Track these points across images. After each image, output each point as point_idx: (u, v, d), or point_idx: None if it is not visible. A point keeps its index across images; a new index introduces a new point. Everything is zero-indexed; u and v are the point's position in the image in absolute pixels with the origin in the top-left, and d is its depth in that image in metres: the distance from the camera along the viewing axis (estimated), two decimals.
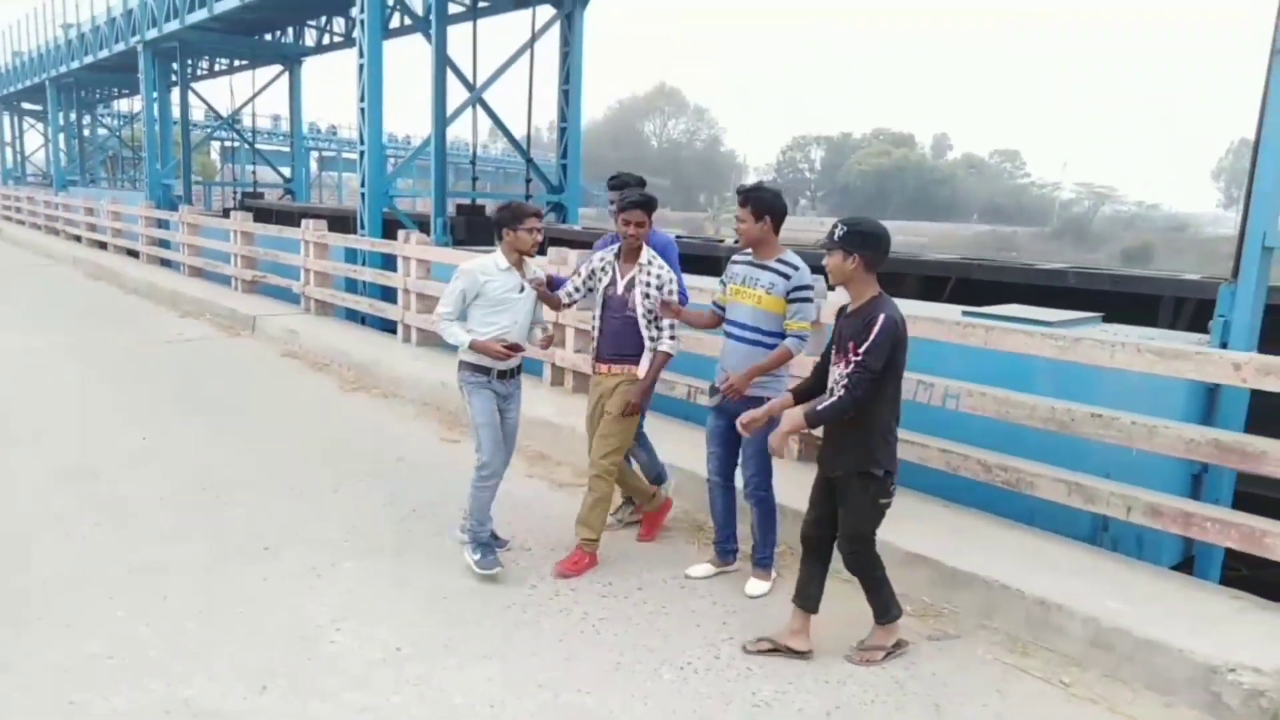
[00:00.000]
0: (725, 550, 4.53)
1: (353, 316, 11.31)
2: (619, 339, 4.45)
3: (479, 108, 13.74)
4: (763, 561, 4.38)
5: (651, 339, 4.43)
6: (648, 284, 4.38)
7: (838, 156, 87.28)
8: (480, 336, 4.31)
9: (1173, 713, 3.34)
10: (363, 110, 12.21)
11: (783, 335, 4.10)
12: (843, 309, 3.66)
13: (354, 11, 12.60)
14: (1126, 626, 3.60)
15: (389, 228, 12.40)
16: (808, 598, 3.74)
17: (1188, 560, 5.22)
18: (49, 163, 35.55)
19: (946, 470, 4.81)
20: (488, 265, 4.36)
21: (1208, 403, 5.14)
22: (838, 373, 3.54)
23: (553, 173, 14.79)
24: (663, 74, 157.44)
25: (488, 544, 4.42)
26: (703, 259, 10.22)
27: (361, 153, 12.38)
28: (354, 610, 3.98)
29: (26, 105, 38.24)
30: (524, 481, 5.82)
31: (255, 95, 22.65)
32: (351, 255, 11.93)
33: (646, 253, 4.43)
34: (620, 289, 4.41)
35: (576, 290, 4.57)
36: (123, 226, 18.67)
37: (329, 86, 36.36)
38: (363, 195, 12.46)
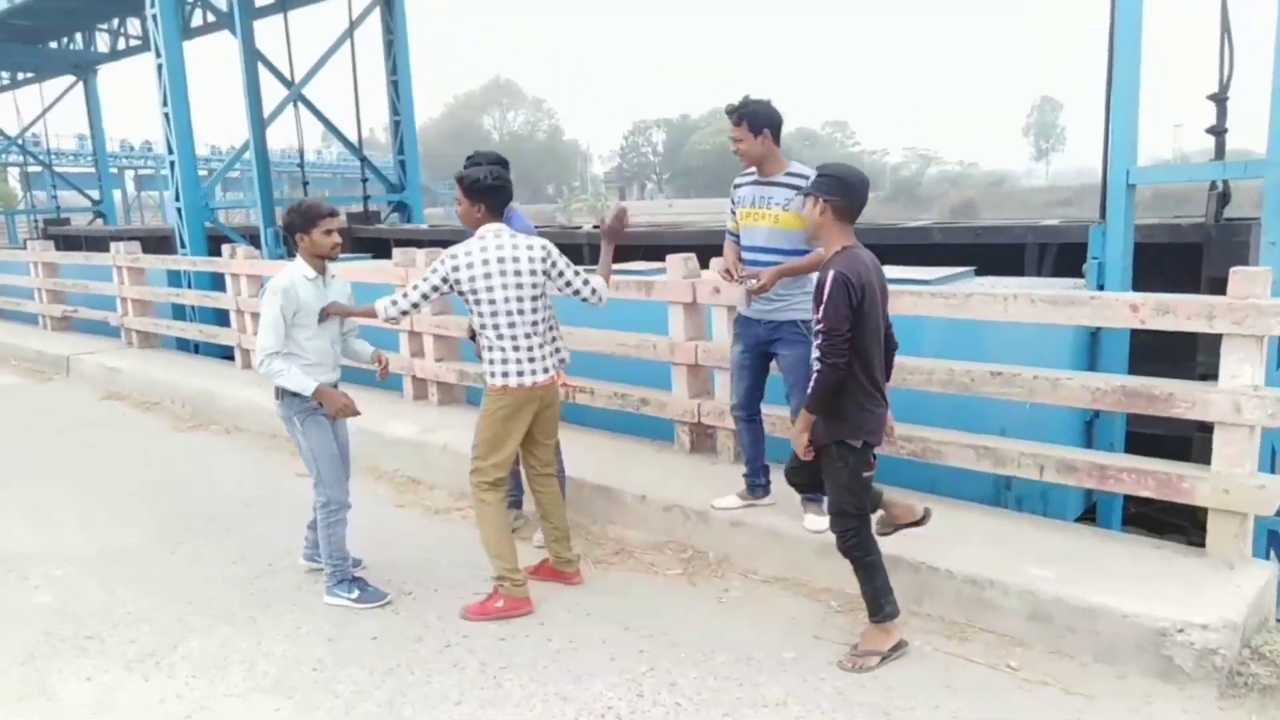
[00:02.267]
0: (755, 484, 4.36)
1: (184, 346, 10.20)
2: None
3: (302, 106, 12.73)
4: (817, 497, 3.99)
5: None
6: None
7: (679, 138, 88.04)
8: (308, 368, 3.93)
9: (1127, 684, 3.14)
10: (166, 115, 11.05)
11: (803, 252, 3.92)
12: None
13: (147, 9, 11.35)
14: (1063, 595, 3.39)
15: (216, 244, 11.28)
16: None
17: (1089, 509, 5.17)
18: None
19: (900, 456, 4.52)
20: (296, 276, 3.92)
21: (1091, 348, 5.09)
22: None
23: (391, 171, 13.92)
24: (497, 67, 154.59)
25: (358, 579, 4.04)
26: (562, 247, 9.75)
27: (172, 163, 11.21)
28: (200, 706, 3.31)
29: None
30: (394, 513, 5.23)
31: (46, 110, 20.50)
32: (175, 278, 10.80)
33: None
34: None
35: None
36: None
37: (134, 99, 33.58)
38: (179, 210, 11.30)
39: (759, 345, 4.16)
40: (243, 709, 3.26)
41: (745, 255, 4.12)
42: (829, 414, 3.27)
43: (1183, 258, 5.81)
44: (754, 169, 4.08)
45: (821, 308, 3.15)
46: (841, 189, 3.24)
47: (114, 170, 27.38)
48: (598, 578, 4.24)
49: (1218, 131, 5.44)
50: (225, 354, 9.36)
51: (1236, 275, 3.54)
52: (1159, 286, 4.68)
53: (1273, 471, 4.34)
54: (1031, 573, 3.54)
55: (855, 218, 3.31)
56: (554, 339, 4.01)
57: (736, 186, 4.20)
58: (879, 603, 3.39)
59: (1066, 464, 3.92)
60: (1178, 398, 3.66)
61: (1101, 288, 4.96)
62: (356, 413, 3.99)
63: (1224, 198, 5.63)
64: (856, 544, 3.36)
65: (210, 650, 3.70)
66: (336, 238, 3.99)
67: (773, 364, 4.24)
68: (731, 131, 4.01)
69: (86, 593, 4.28)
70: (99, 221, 21.25)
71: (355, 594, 4.00)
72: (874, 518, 3.47)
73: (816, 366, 3.21)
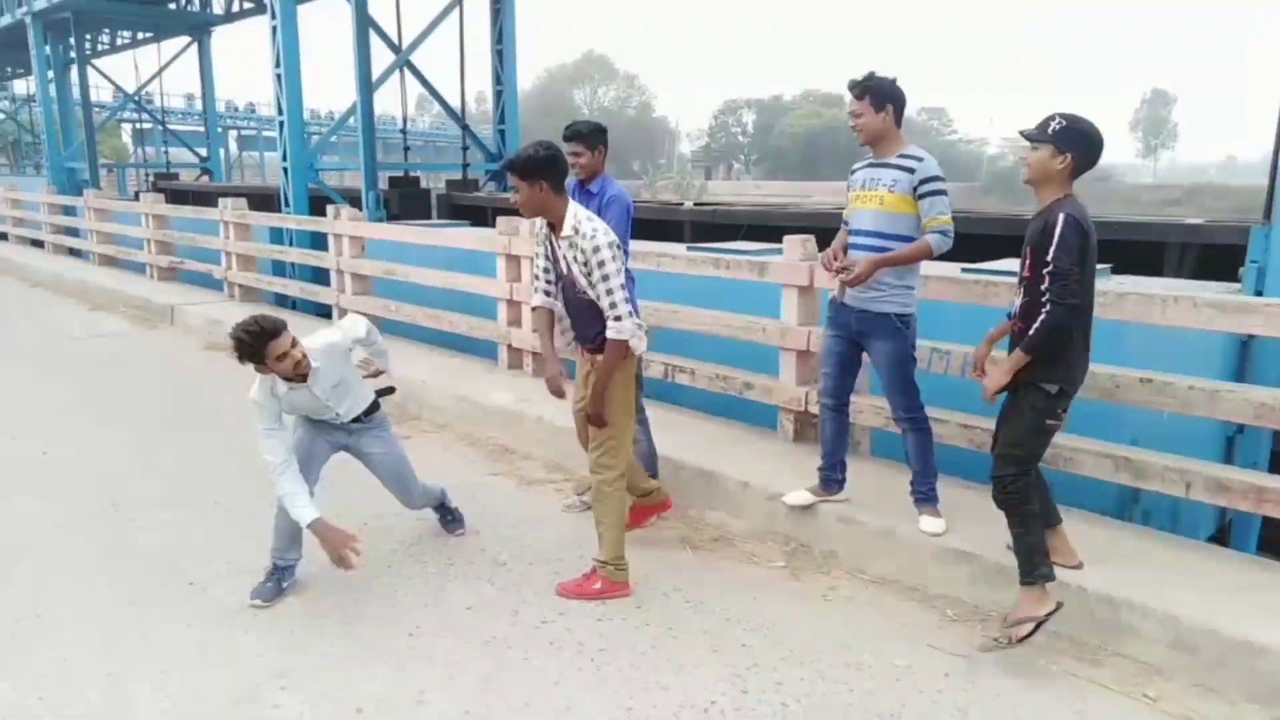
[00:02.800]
0: (830, 479, 4.19)
1: (282, 301, 10.40)
2: (582, 320, 3.72)
3: (407, 72, 12.80)
4: (929, 496, 3.90)
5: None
6: (578, 260, 3.53)
7: (769, 119, 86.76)
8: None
9: None
10: (279, 77, 11.20)
11: (909, 239, 3.70)
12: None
13: None
14: (1212, 625, 3.11)
15: (316, 205, 11.46)
16: (1051, 514, 3.46)
17: (1222, 529, 4.82)
18: None
19: (970, 447, 4.28)
20: (268, 392, 3.61)
21: (1240, 358, 4.71)
22: (1016, 280, 3.24)
23: (490, 141, 13.93)
24: (590, 41, 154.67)
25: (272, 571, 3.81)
26: (662, 223, 9.62)
27: (281, 124, 11.38)
28: (300, 659, 3.29)
29: None
30: (488, 481, 5.16)
31: (162, 69, 21.14)
32: (277, 235, 11.00)
33: (570, 221, 3.54)
34: (563, 266, 3.64)
35: (551, 284, 3.81)
36: (24, 215, 17.25)
37: (244, 62, 34.53)
38: (285, 170, 11.48)
39: (850, 334, 3.94)
40: (340, 669, 3.22)
41: (851, 239, 3.90)
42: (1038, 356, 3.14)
43: None
44: (870, 151, 3.85)
45: (1052, 249, 3.03)
46: (1088, 148, 3.13)
47: (219, 130, 28.17)
48: (697, 564, 4.10)
49: None
50: (322, 312, 9.50)
51: None
52: None
53: None
54: (1172, 596, 3.26)
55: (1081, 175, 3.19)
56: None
57: (853, 171, 3.98)
58: (1034, 561, 3.23)
59: (1218, 483, 3.60)
60: None
61: (1259, 293, 4.57)
62: (349, 566, 3.64)
63: None
64: (1018, 490, 3.23)
65: (307, 607, 3.68)
66: (297, 354, 3.52)
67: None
68: (853, 105, 3.78)
69: (191, 539, 4.33)
70: (205, 178, 21.92)
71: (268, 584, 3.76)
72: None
73: (1046, 308, 3.06)
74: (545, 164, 3.48)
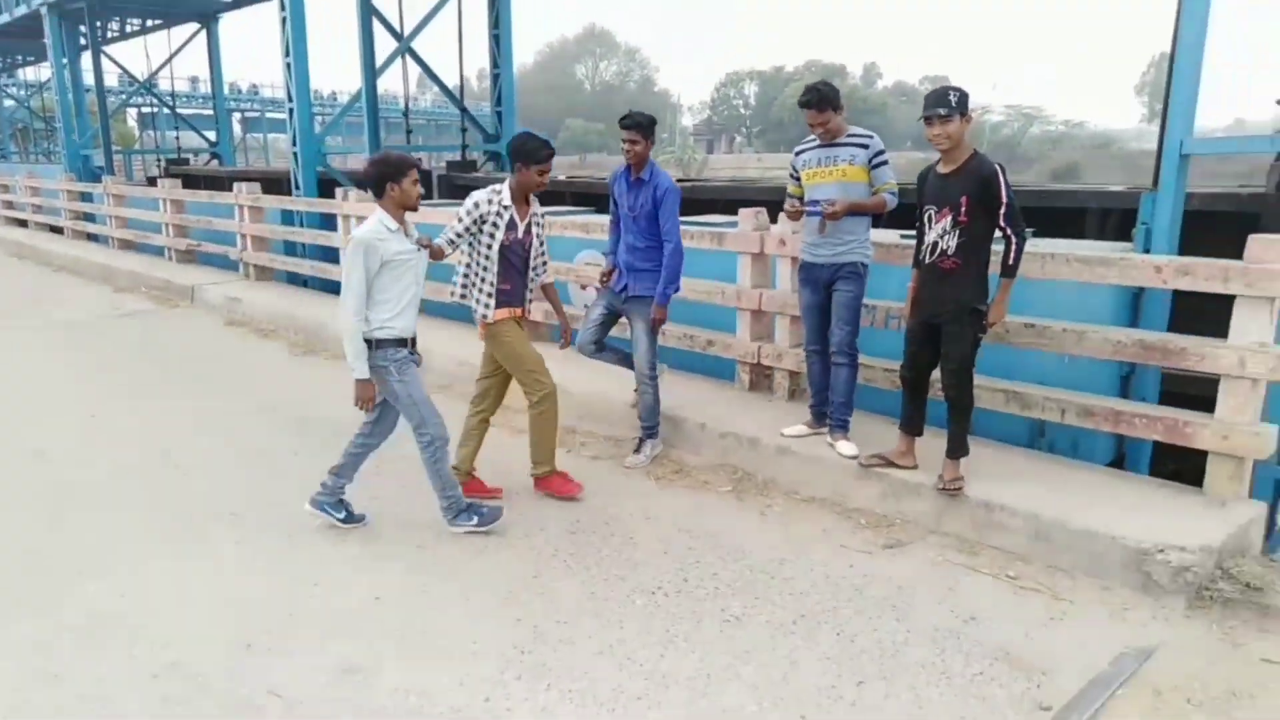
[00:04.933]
0: (821, 413, 4.93)
1: (294, 280, 11.14)
2: (525, 282, 4.65)
3: (408, 58, 13.43)
4: (846, 424, 4.76)
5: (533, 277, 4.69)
6: (539, 224, 4.63)
7: (772, 90, 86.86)
8: (398, 314, 4.05)
9: (1110, 594, 3.60)
10: (288, 65, 11.86)
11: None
12: (928, 171, 4.17)
13: None
14: (1063, 519, 3.84)
15: (325, 187, 12.15)
16: (913, 425, 4.38)
17: (1119, 459, 5.52)
18: None
19: (890, 388, 4.98)
20: (379, 229, 4.00)
21: (1133, 309, 5.39)
22: (942, 228, 4.01)
23: (488, 121, 14.57)
24: (592, 15, 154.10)
25: (472, 505, 4.34)
26: (695, 203, 10.18)
27: (290, 110, 12.05)
28: (330, 567, 4.06)
29: None
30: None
31: (173, 56, 21.72)
32: (288, 217, 11.69)
33: (535, 202, 4.60)
34: (520, 232, 4.51)
35: (459, 237, 4.51)
36: (42, 202, 17.99)
37: (247, 44, 35.08)
38: (295, 155, 12.15)
39: (823, 286, 4.73)
40: (362, 575, 3.98)
41: (809, 209, 4.68)
42: (965, 287, 4.01)
43: (1244, 226, 5.99)
44: (814, 137, 4.63)
45: (1003, 193, 3.87)
46: (966, 101, 3.95)
47: (226, 112, 28.75)
48: (658, 491, 4.84)
49: None
50: (331, 289, 10.22)
51: (1254, 241, 3.87)
52: (1215, 253, 4.94)
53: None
54: (1037, 500, 3.99)
55: None
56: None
57: (799, 153, 4.76)
58: (964, 442, 4.17)
59: (1085, 409, 4.33)
60: (1190, 351, 4.03)
61: (1147, 251, 5.24)
62: (370, 410, 4.19)
63: None
64: (968, 392, 4.12)
65: (333, 531, 4.44)
66: (420, 189, 4.10)
67: None
68: (816, 118, 4.57)
69: (233, 483, 5.09)
70: (215, 162, 22.60)
71: (475, 520, 4.27)
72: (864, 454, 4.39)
73: (1014, 240, 3.94)
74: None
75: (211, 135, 22.96)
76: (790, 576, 3.87)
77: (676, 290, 4.94)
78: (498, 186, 4.49)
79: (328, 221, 10.25)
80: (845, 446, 4.62)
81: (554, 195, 11.53)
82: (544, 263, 4.76)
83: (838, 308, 4.69)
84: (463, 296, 4.65)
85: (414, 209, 4.13)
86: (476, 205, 4.44)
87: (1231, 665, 3.18)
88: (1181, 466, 5.79)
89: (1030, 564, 3.86)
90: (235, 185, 11.20)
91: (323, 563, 4.08)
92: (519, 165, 4.42)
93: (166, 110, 22.94)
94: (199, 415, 6.34)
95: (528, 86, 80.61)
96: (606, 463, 5.23)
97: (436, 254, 4.38)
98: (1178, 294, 5.27)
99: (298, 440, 5.77)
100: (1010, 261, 3.98)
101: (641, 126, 4.81)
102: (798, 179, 4.76)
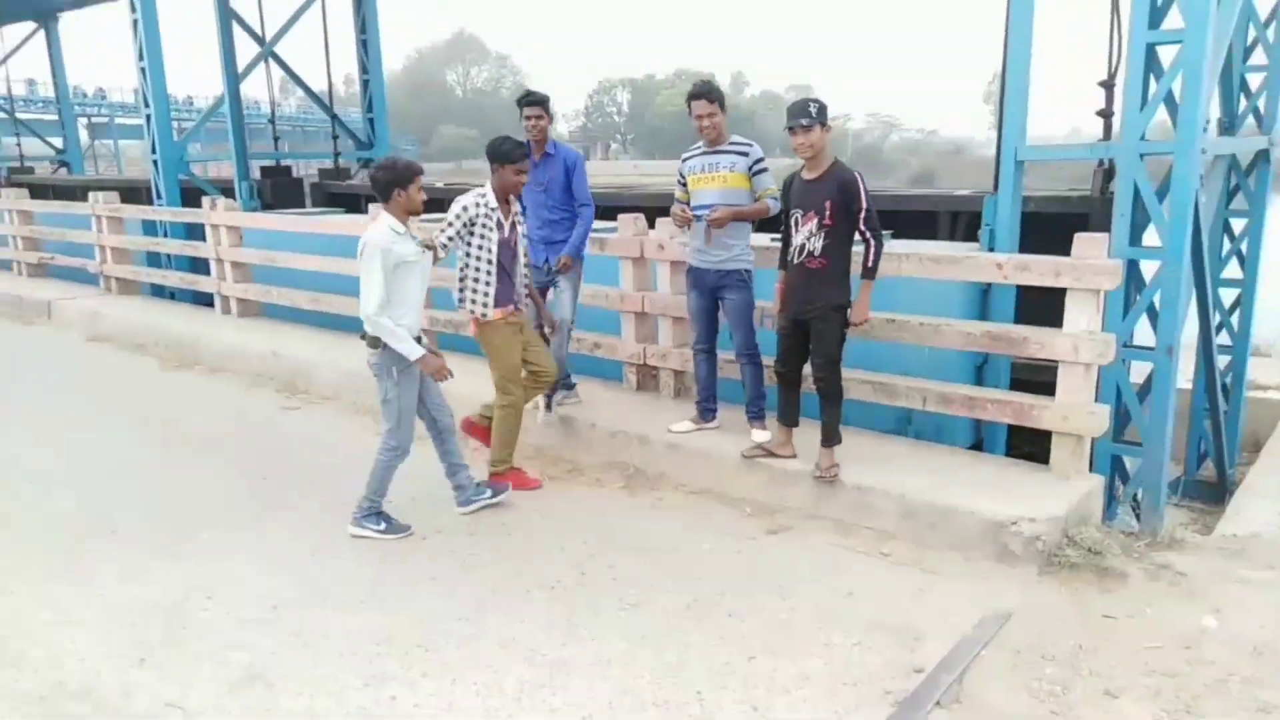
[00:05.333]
0: (707, 410, 5.17)
1: (159, 292, 10.70)
2: (515, 279, 4.76)
3: (272, 62, 13.07)
4: (761, 413, 4.96)
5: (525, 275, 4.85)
6: (522, 229, 4.82)
7: (644, 98, 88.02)
8: (407, 315, 4.21)
9: (971, 565, 3.95)
10: (143, 70, 11.35)
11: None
12: (793, 178, 4.39)
13: None
14: (929, 499, 4.19)
15: (188, 196, 11.70)
16: (789, 417, 4.64)
17: (978, 444, 5.99)
18: None
19: (767, 384, 5.26)
20: (387, 232, 4.13)
21: (983, 303, 5.87)
22: (809, 230, 4.26)
23: (359, 128, 14.31)
24: (461, 21, 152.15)
25: (382, 513, 4.43)
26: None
27: (148, 116, 11.54)
28: (220, 577, 4.00)
29: None
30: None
31: (8, 57, 20.37)
32: (150, 228, 11.21)
33: (516, 203, 4.75)
34: (506, 232, 4.67)
35: (451, 241, 4.64)
36: None
37: (90, 45, 33.05)
38: (155, 163, 11.65)
39: (709, 291, 4.94)
40: (255, 583, 3.95)
41: (698, 213, 4.85)
42: (830, 286, 4.29)
43: (1075, 226, 6.59)
44: (700, 143, 4.85)
45: (863, 198, 4.18)
46: (825, 112, 4.24)
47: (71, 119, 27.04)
48: (553, 490, 4.96)
49: (1105, 114, 6.20)
50: (200, 300, 9.88)
51: (1080, 239, 4.32)
52: (1052, 251, 5.43)
53: (1116, 404, 5.16)
54: (905, 481, 4.33)
55: None
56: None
57: (685, 159, 4.97)
58: (838, 431, 4.45)
59: (943, 396, 4.71)
60: (1031, 340, 4.45)
61: (992, 249, 5.71)
62: (450, 375, 4.35)
63: (1109, 174, 6.39)
64: (838, 383, 4.41)
65: (222, 538, 4.37)
66: (424, 194, 4.30)
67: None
68: (705, 109, 4.75)
69: (103, 499, 4.91)
70: (62, 170, 21.27)
71: (382, 526, 4.38)
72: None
73: (873, 242, 4.23)
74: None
75: (57, 142, 21.61)
76: (683, 564, 4.06)
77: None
78: (482, 190, 4.63)
79: (193, 232, 9.90)
80: (760, 434, 4.87)
81: (435, 203, 11.47)
82: (527, 260, 4.92)
83: (730, 315, 4.91)
84: (460, 300, 4.74)
85: (419, 214, 4.38)
86: (465, 209, 4.58)
87: (1078, 622, 3.54)
88: (1036, 449, 6.35)
89: (901, 541, 4.18)
90: (91, 195, 10.65)
91: (212, 574, 4.02)
92: (496, 167, 4.60)
93: (3, 115, 21.42)
94: (69, 433, 6.06)
95: (397, 92, 78.74)
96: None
97: (436, 255, 4.54)
98: (1026, 289, 5.80)
99: (173, 454, 5.61)
100: (869, 264, 4.27)
101: (544, 103, 5.14)
102: (685, 185, 4.96)
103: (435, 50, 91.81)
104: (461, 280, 4.68)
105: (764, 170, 4.78)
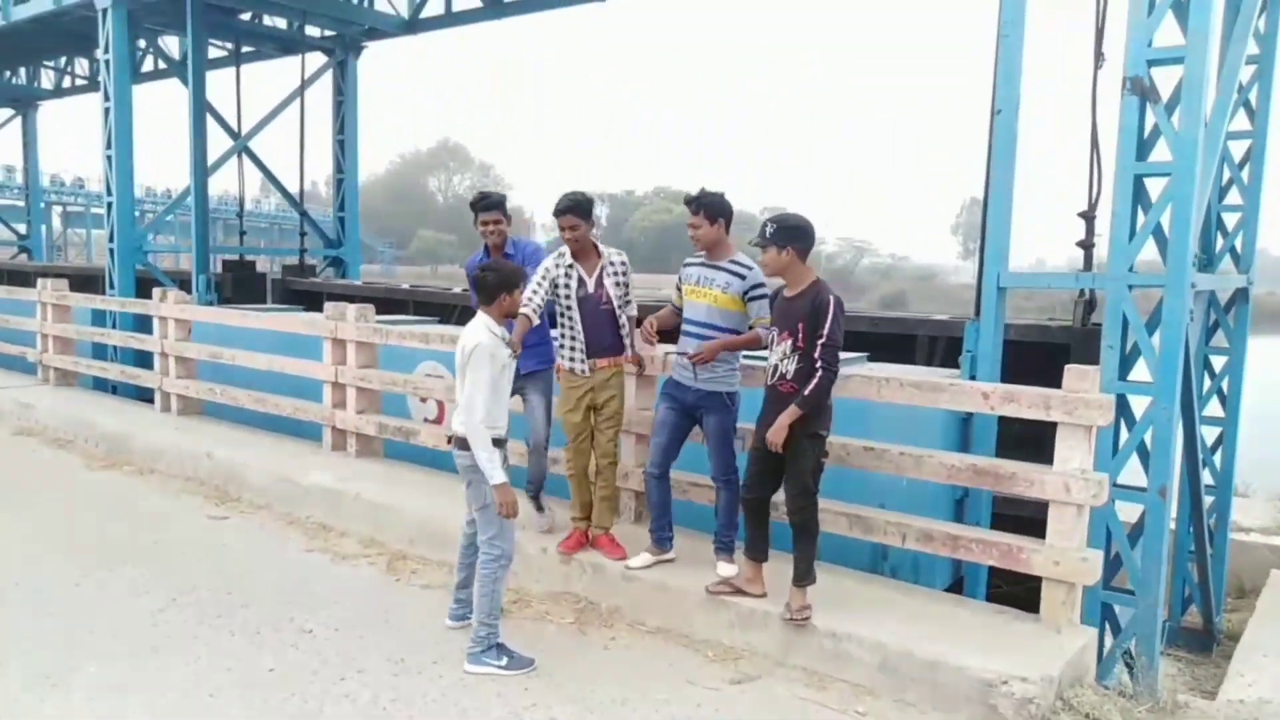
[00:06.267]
0: (663, 538, 4.69)
1: (101, 385, 10.17)
2: (601, 332, 4.69)
3: (246, 159, 12.97)
4: (730, 545, 4.51)
5: (625, 324, 4.75)
6: (615, 272, 4.71)
7: (622, 213, 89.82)
8: (496, 425, 4.00)
9: None
10: (109, 158, 11.16)
11: (735, 332, 4.43)
12: (777, 293, 4.12)
13: (98, 53, 11.56)
14: (910, 650, 3.76)
15: (145, 286, 11.34)
16: (759, 551, 4.23)
17: (958, 581, 5.60)
18: None
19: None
20: (493, 336, 3.98)
21: (963, 432, 5.58)
22: (783, 350, 3.97)
23: (330, 227, 14.16)
24: (445, 130, 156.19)
25: (504, 645, 4.01)
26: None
27: (109, 204, 11.28)
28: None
29: None
30: (304, 557, 5.38)
31: None
32: (100, 318, 10.79)
33: (604, 246, 4.75)
34: (592, 286, 4.64)
35: (541, 305, 4.61)
36: None
37: (71, 133, 33.19)
38: (111, 251, 11.33)
39: (685, 409, 4.55)
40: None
41: (685, 327, 4.55)
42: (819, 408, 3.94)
43: (1054, 355, 6.40)
44: (704, 252, 4.53)
45: (828, 324, 3.85)
46: (801, 236, 3.99)
47: (41, 205, 26.88)
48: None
49: (1086, 245, 6.09)
50: (143, 395, 9.38)
51: (1070, 371, 4.05)
52: (1032, 381, 5.20)
53: (1107, 547, 4.82)
54: (883, 628, 3.91)
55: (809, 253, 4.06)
56: None
57: (686, 265, 4.66)
58: (811, 569, 4.03)
59: (925, 533, 4.34)
60: (1019, 477, 4.13)
61: (974, 377, 5.47)
62: (515, 514, 4.02)
63: (1090, 304, 6.25)
64: (812, 517, 4.04)
65: (109, 676, 3.82)
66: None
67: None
68: (691, 219, 4.49)
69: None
70: (23, 256, 20.89)
71: (504, 661, 3.96)
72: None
73: (820, 370, 3.85)
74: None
75: (23, 228, 21.33)
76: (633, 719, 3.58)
77: None
78: (562, 249, 4.69)
79: (141, 323, 9.49)
80: (726, 568, 4.42)
81: (398, 304, 11.20)
82: (628, 303, 4.82)
83: (710, 437, 4.54)
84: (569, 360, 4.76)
85: (514, 318, 4.26)
86: (547, 271, 4.65)
87: None
88: (1015, 589, 5.96)
89: (879, 698, 3.73)
90: (40, 281, 10.24)
91: (90, 716, 3.47)
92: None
93: None
94: None
95: (378, 195, 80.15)
96: (438, 592, 4.82)
97: (515, 355, 4.29)
98: (1006, 420, 5.54)
99: (76, 567, 5.05)
100: (807, 393, 3.88)
101: (500, 206, 5.00)
102: (680, 290, 4.65)
103: (419, 156, 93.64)
104: (559, 338, 4.80)
105: (762, 296, 4.40)
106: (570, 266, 4.65)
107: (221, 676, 3.84)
